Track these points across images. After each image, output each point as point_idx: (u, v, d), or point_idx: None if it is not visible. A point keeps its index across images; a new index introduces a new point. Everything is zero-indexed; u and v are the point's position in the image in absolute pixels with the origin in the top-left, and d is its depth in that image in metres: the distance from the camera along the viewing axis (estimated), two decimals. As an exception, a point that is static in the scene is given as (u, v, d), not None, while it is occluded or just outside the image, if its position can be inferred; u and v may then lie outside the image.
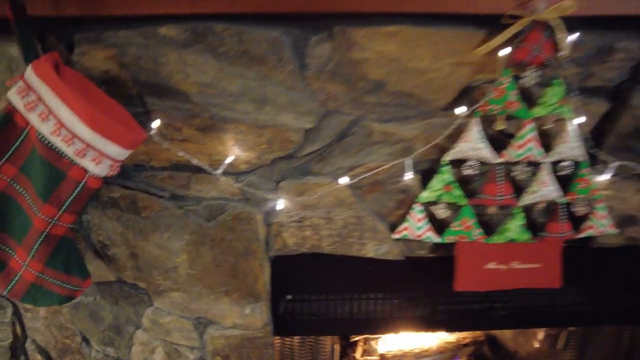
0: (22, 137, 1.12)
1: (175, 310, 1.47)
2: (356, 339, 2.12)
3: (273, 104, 1.20)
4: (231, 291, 1.44)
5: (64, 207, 1.14)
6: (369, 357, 2.11)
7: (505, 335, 2.17)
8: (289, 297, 1.54)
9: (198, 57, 1.13)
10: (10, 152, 1.14)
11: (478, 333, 2.22)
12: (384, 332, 1.67)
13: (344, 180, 1.26)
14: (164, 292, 1.44)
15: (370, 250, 1.41)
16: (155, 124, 1.13)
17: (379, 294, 1.56)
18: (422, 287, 1.56)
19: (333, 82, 1.19)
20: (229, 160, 1.23)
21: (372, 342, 2.17)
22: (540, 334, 1.97)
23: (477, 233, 1.35)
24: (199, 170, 1.31)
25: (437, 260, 1.46)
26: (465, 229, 1.33)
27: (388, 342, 2.13)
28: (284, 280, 1.48)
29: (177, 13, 1.08)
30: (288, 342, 1.83)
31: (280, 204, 1.29)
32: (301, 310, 1.55)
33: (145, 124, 1.16)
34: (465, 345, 2.24)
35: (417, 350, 2.17)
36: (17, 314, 1.52)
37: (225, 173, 1.24)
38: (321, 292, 1.55)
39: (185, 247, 1.38)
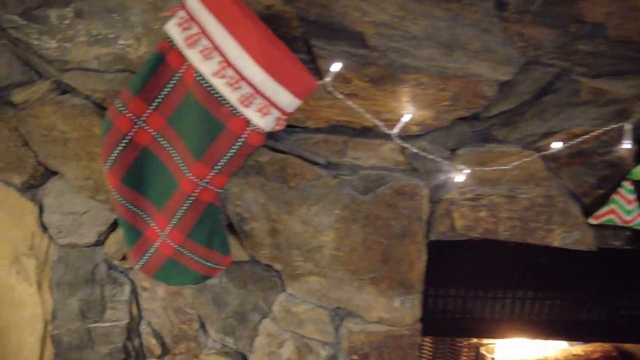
0: (173, 82, 0.95)
1: (312, 298, 1.27)
2: (461, 343, 1.87)
3: (464, 50, 1.00)
4: (379, 279, 1.23)
5: (217, 167, 0.97)
6: (479, 366, 1.86)
7: (644, 351, 1.86)
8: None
9: (378, -10, 0.95)
10: (160, 99, 0.97)
11: (608, 347, 1.92)
12: (542, 337, 1.42)
13: (557, 145, 1.02)
14: (300, 276, 1.25)
15: (557, 238, 1.16)
16: (336, 67, 0.93)
17: (546, 293, 1.31)
18: (601, 286, 1.30)
19: (537, 25, 0.99)
20: (405, 118, 1.02)
21: (482, 349, 1.91)
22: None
23: None
24: (357, 134, 1.12)
25: (626, 254, 1.21)
26: (693, 214, 1.07)
27: (504, 348, 1.86)
28: (434, 270, 1.26)
29: None
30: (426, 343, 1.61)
31: (462, 176, 1.06)
32: (454, 307, 1.33)
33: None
34: (595, 359, 1.95)
35: (540, 361, 1.89)
36: (134, 292, 1.36)
37: (387, 137, 1.04)
38: (475, 286, 1.32)
39: (334, 223, 1.18)
